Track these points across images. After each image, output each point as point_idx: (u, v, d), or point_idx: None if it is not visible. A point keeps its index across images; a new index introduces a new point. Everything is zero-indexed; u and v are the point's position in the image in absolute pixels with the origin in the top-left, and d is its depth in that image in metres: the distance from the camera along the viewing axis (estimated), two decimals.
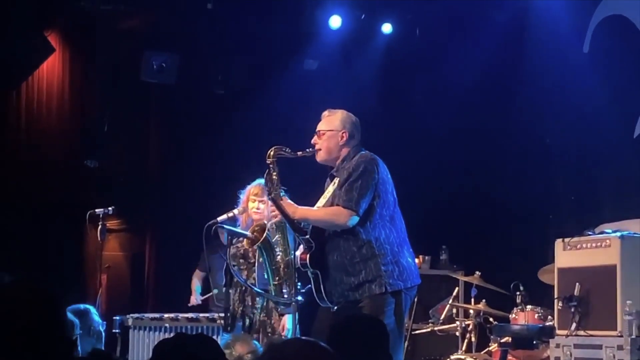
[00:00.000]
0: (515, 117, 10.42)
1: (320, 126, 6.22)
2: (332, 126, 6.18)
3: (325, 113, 6.27)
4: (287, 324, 6.83)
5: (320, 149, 6.18)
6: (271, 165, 6.03)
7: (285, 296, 6.36)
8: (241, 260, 7.05)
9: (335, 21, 10.96)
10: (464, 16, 10.59)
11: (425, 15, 10.93)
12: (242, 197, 7.18)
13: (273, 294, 6.38)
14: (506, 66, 10.49)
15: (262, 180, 6.67)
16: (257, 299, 6.93)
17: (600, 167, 9.43)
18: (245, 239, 6.84)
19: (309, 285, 6.15)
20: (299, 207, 6.07)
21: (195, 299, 9.52)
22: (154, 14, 10.84)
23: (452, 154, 10.96)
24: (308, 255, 6.04)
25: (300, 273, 6.23)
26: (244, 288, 6.93)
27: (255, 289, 6.76)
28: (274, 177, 6.01)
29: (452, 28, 10.79)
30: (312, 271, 6.05)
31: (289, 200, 6.11)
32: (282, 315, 6.87)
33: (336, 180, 6.11)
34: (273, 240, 6.50)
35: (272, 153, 6.03)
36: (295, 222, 6.04)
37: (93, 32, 10.83)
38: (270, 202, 6.24)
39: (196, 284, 9.64)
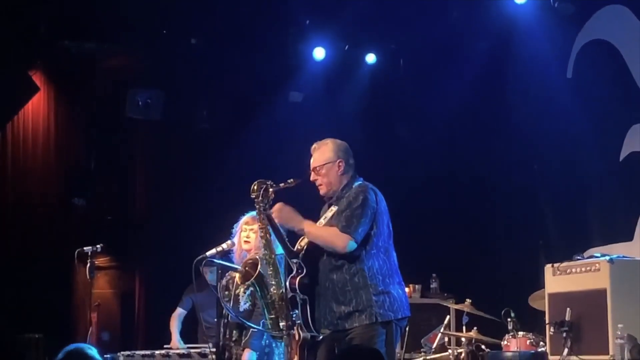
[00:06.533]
0: (501, 144, 10.44)
1: (314, 162, 6.18)
2: (326, 159, 6.16)
3: (315, 146, 6.23)
4: (248, 358, 6.87)
5: (322, 185, 6.17)
6: (256, 199, 6.02)
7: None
8: (226, 292, 7.04)
9: (319, 53, 11.01)
10: (447, 45, 10.62)
11: (409, 44, 10.98)
12: (236, 229, 7.18)
13: (269, 327, 6.34)
14: (490, 94, 10.52)
15: (254, 213, 6.69)
16: (234, 332, 6.92)
17: (587, 192, 9.44)
18: (236, 273, 6.81)
19: (296, 311, 6.09)
20: (305, 219, 6.06)
21: (177, 341, 9.28)
22: (137, 51, 10.85)
23: (439, 182, 10.96)
24: (298, 280, 6.01)
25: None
26: (225, 321, 6.90)
27: (249, 323, 6.74)
28: (269, 194, 6.01)
29: (435, 57, 10.82)
30: (301, 297, 6.01)
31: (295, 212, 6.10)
32: (244, 349, 6.90)
33: (334, 208, 6.10)
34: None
35: (255, 187, 6.04)
36: (297, 232, 6.02)
37: (77, 71, 10.84)
38: (259, 231, 6.24)
39: (176, 326, 9.33)
